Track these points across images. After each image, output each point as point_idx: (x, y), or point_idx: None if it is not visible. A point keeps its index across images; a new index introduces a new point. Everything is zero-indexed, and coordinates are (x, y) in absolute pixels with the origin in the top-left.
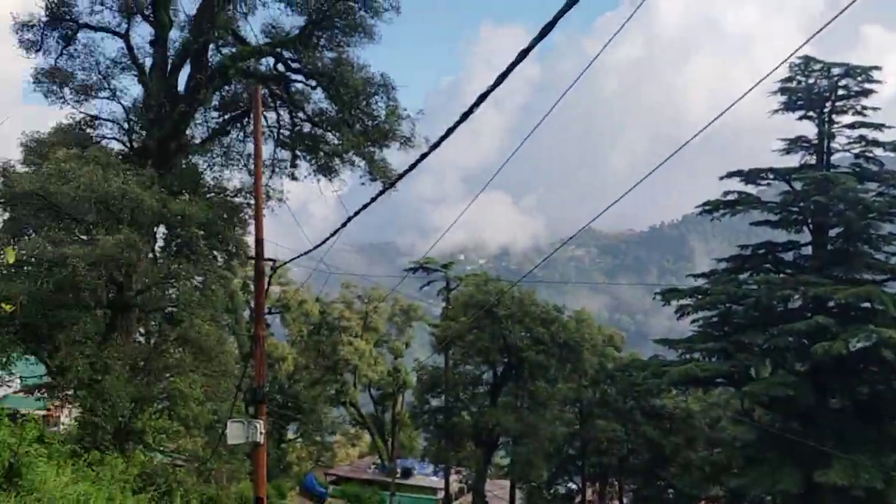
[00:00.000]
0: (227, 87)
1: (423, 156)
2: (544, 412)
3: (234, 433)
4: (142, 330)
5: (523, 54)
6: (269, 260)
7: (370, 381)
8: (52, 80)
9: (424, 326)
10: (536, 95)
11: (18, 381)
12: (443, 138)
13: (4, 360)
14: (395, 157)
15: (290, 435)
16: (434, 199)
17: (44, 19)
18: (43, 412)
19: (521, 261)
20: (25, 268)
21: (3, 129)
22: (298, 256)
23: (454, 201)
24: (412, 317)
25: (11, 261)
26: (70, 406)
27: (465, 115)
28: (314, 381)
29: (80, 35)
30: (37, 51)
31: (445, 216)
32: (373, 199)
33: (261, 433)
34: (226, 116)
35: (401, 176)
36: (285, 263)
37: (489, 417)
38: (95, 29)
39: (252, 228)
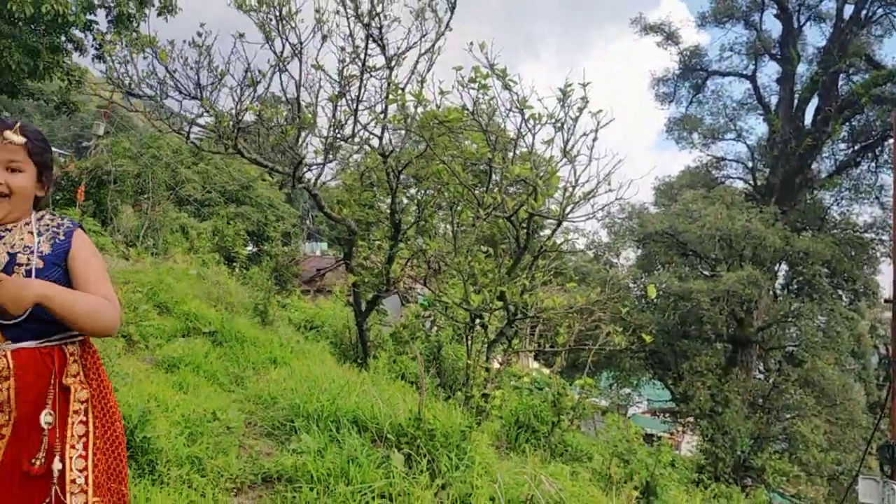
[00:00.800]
0: (857, 117)
1: None
2: None
3: (867, 491)
4: (761, 367)
5: None
6: None
7: None
8: (682, 128)
9: None
10: None
11: (646, 402)
12: None
13: (635, 382)
14: None
15: None
16: None
17: (677, 72)
18: (666, 434)
19: None
20: (655, 300)
21: (635, 174)
22: None
23: None
24: None
25: (653, 296)
26: (690, 433)
27: None
28: None
29: (708, 82)
30: (669, 102)
31: None
32: None
33: None
34: (855, 147)
35: None
36: None
37: None
38: (723, 74)
39: (883, 267)
